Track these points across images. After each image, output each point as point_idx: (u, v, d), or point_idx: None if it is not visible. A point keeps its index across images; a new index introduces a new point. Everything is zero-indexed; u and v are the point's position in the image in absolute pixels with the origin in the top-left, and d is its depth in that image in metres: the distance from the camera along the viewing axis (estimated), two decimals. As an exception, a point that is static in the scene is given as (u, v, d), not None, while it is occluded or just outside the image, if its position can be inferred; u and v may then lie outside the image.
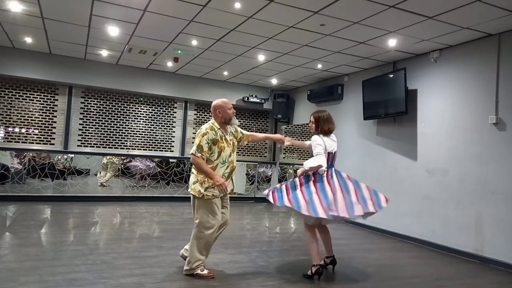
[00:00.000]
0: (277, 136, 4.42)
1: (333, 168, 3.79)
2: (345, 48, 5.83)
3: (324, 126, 3.83)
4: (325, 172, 3.67)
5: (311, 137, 3.90)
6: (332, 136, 3.89)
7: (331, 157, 3.78)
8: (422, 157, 5.69)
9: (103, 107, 8.23)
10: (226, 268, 3.82)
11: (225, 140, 3.57)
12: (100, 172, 10.31)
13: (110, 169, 10.19)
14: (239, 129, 3.89)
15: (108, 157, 9.97)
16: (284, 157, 10.39)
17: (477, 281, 4.09)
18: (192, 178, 3.56)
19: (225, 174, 3.55)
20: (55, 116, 7.82)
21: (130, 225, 5.82)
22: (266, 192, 3.76)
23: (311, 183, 3.65)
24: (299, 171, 3.79)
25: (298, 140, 4.40)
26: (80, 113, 8.03)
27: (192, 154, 3.48)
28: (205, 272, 3.51)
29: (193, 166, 3.58)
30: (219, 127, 3.57)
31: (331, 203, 3.47)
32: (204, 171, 3.44)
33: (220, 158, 3.51)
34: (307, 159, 3.76)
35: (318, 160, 3.61)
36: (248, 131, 4.37)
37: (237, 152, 3.87)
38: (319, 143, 3.71)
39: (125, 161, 10.37)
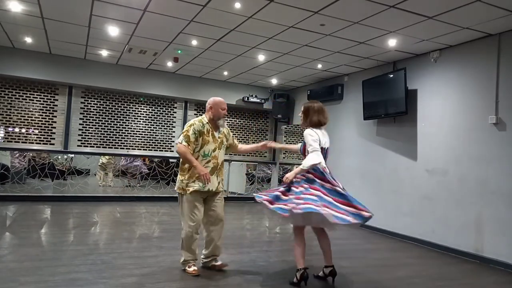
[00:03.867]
0: (261, 144, 4.01)
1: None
2: (345, 48, 5.83)
3: (313, 117, 3.49)
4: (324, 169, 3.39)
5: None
6: (323, 131, 3.57)
7: (324, 153, 3.48)
8: (422, 157, 5.69)
9: (103, 107, 8.23)
10: (226, 268, 3.82)
11: (211, 136, 3.63)
12: (99, 172, 10.33)
13: (109, 170, 10.25)
14: (232, 135, 3.91)
15: (107, 157, 10.01)
16: (284, 157, 10.39)
17: (477, 281, 4.09)
18: (178, 177, 3.68)
19: (207, 169, 3.58)
20: (55, 116, 7.81)
21: (130, 225, 5.82)
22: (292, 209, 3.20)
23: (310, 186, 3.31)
24: (291, 174, 3.40)
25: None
26: (80, 113, 8.03)
27: (178, 143, 3.55)
28: (191, 269, 3.56)
29: (180, 165, 3.66)
30: (207, 121, 3.65)
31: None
32: (188, 160, 3.50)
33: (202, 151, 3.57)
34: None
35: (318, 157, 3.32)
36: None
37: (229, 154, 3.87)
38: (313, 137, 3.39)
39: (126, 161, 10.39)
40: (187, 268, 3.57)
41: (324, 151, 3.50)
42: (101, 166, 10.29)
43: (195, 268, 3.58)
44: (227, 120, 9.50)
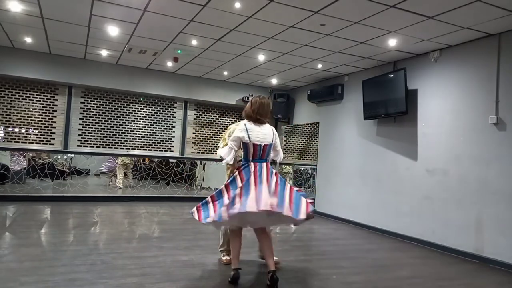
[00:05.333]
0: None
1: (263, 163, 3.46)
2: (345, 48, 5.83)
3: (251, 112, 3.61)
4: (253, 167, 3.40)
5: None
6: (264, 127, 3.60)
7: (259, 150, 3.48)
8: (422, 157, 5.69)
9: (103, 107, 8.23)
10: (226, 268, 3.82)
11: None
12: (118, 175, 10.20)
13: (128, 170, 10.21)
14: None
15: (126, 158, 9.94)
16: (284, 157, 10.38)
17: (477, 281, 4.09)
18: None
19: None
20: (55, 116, 7.81)
21: (130, 225, 5.82)
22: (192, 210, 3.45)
23: (238, 180, 3.37)
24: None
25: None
26: (80, 113, 8.03)
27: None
28: (224, 258, 3.99)
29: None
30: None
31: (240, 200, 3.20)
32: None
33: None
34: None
35: (221, 151, 3.58)
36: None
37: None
38: (236, 134, 3.53)
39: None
40: (221, 257, 4.02)
41: (260, 148, 3.53)
42: (121, 166, 10.19)
43: (228, 257, 3.92)
44: (227, 120, 9.53)
